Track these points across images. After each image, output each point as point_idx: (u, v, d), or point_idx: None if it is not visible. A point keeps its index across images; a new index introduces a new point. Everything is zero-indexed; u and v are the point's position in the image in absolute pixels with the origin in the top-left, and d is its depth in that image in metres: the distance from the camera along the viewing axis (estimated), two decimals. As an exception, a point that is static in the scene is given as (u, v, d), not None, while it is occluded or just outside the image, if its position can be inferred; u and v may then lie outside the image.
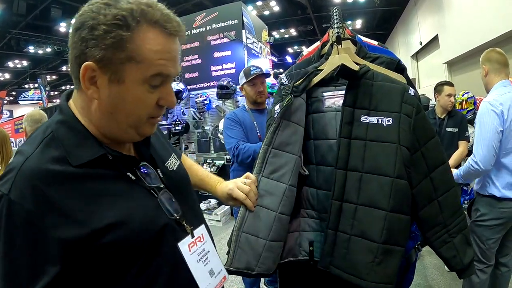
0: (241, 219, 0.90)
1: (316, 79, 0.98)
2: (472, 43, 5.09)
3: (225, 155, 4.43)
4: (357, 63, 0.94)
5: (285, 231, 0.94)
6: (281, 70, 12.95)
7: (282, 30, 11.26)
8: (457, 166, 2.47)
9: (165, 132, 4.72)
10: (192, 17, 4.86)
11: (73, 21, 0.55)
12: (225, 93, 4.22)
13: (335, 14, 1.01)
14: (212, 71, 4.71)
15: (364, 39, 1.16)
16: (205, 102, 4.51)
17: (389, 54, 1.08)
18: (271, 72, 5.26)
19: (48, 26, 8.56)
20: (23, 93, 14.04)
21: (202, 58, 4.80)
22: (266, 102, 2.25)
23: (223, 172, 4.27)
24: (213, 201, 4.46)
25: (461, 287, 1.94)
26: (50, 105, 10.90)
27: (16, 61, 11.63)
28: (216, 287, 0.67)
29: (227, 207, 4.28)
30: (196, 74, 4.84)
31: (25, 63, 11.87)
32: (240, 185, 0.89)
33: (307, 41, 11.71)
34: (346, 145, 0.90)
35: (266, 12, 9.46)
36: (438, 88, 2.79)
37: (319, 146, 0.99)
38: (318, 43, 1.17)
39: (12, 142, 6.73)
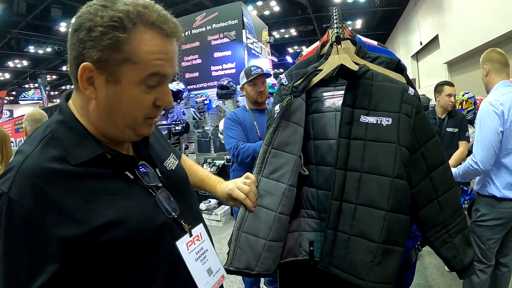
0: (241, 219, 0.90)
1: (316, 79, 0.98)
2: (472, 43, 5.08)
3: (225, 155, 4.43)
4: (356, 63, 0.94)
5: (285, 231, 0.94)
6: (281, 70, 12.95)
7: (282, 30, 11.25)
8: (457, 166, 2.47)
9: (165, 132, 4.73)
10: (192, 17, 4.87)
11: (72, 21, 0.56)
12: (225, 93, 4.23)
13: (334, 14, 1.01)
14: (212, 71, 4.71)
15: (363, 39, 1.16)
16: (205, 102, 4.52)
17: (388, 54, 1.08)
18: (271, 72, 5.26)
19: (48, 26, 8.56)
20: (23, 93, 14.03)
21: (202, 58, 4.80)
22: (266, 102, 2.25)
23: (223, 172, 4.27)
24: (213, 201, 4.46)
25: (461, 287, 1.94)
26: (50, 105, 10.90)
27: (16, 61, 11.63)
28: (214, 286, 0.67)
29: (227, 207, 4.28)
30: (196, 74, 4.84)
31: (25, 63, 11.87)
32: (240, 185, 0.89)
33: (307, 41, 11.71)
34: (345, 145, 0.90)
35: (266, 12, 9.45)
36: (438, 88, 2.79)
37: (319, 146, 0.99)
38: (317, 43, 1.17)
39: (12, 142, 6.74)
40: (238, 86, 2.80)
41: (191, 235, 0.66)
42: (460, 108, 3.17)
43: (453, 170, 1.79)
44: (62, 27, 8.58)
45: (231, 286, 2.56)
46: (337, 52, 0.96)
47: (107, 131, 0.59)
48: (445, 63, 6.58)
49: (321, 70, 0.98)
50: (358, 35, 1.13)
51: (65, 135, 0.56)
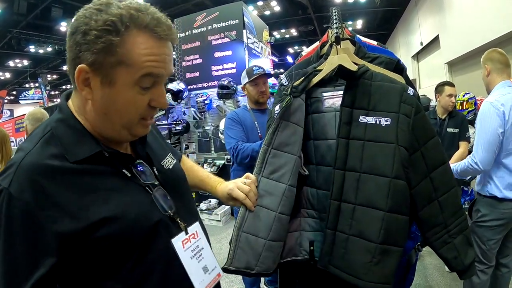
0: (241, 219, 0.90)
1: (316, 79, 0.98)
2: (473, 44, 5.08)
3: (225, 155, 4.44)
4: (355, 63, 0.94)
5: (285, 231, 0.94)
6: (282, 70, 12.94)
7: (283, 30, 11.25)
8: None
9: (166, 132, 4.73)
10: (193, 17, 4.87)
11: (71, 22, 0.57)
12: (226, 93, 4.23)
13: (334, 14, 1.01)
14: (213, 71, 4.71)
15: (363, 39, 1.16)
16: (206, 102, 4.52)
17: (388, 54, 1.07)
18: (272, 72, 5.26)
19: (48, 25, 8.57)
20: (24, 93, 14.06)
21: (203, 58, 4.80)
22: (267, 102, 2.25)
23: (223, 172, 4.27)
24: (213, 201, 4.46)
25: (461, 288, 1.94)
26: (50, 104, 10.91)
27: (17, 61, 11.64)
28: (210, 284, 0.68)
29: (227, 207, 4.28)
30: (197, 74, 4.84)
31: (25, 62, 11.88)
32: (240, 185, 0.90)
33: (308, 41, 11.70)
34: (344, 145, 0.90)
35: (267, 12, 9.45)
36: (438, 89, 2.79)
37: (319, 146, 0.99)
38: (317, 44, 1.17)
39: (13, 141, 6.75)
40: (239, 86, 2.80)
41: (187, 233, 0.67)
42: (460, 108, 3.17)
43: (452, 166, 1.79)
44: (63, 26, 8.58)
45: (231, 286, 2.56)
46: (336, 52, 0.96)
47: (103, 130, 0.60)
48: (445, 63, 6.58)
49: (320, 70, 0.98)
50: (358, 35, 1.13)
51: (64, 133, 0.58)
